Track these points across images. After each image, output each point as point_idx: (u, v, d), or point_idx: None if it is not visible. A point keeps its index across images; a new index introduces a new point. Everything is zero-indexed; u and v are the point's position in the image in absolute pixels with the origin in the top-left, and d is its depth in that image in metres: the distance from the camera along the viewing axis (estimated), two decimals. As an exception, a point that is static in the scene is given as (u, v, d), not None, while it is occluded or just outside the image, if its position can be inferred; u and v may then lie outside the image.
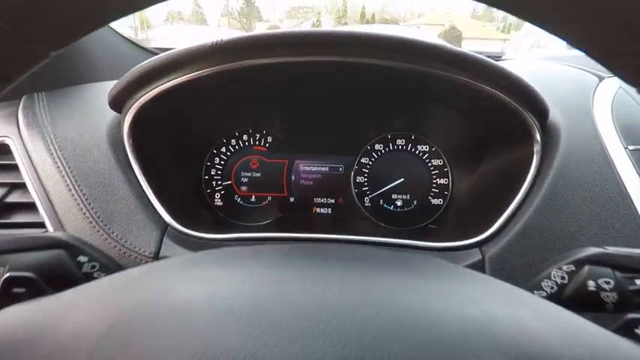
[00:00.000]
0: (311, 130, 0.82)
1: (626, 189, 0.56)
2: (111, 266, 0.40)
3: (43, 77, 0.74)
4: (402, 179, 0.81)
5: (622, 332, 0.33)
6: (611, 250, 0.38)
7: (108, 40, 0.95)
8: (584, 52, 0.24)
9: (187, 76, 0.55)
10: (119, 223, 0.59)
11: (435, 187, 0.81)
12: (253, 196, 0.82)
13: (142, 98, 0.59)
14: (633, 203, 0.55)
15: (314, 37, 0.48)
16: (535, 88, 0.57)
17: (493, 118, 0.66)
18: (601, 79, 0.72)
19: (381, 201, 0.81)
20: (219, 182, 0.82)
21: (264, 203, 0.82)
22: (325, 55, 0.52)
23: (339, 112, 0.79)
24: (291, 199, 0.82)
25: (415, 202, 0.81)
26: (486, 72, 0.56)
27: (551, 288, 0.39)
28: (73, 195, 0.59)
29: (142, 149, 0.64)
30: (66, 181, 0.59)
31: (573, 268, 0.39)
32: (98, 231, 0.58)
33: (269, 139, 0.83)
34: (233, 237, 0.62)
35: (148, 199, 0.61)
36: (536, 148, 0.60)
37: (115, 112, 0.65)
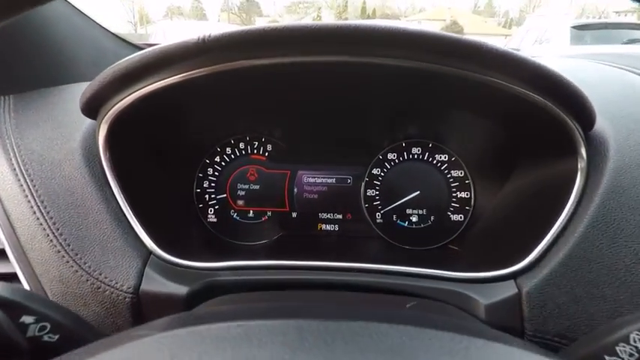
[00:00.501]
0: (316, 138, 0.73)
1: None
2: (68, 325, 0.32)
3: (12, 78, 0.64)
4: (418, 192, 0.73)
5: None
6: None
7: (90, 35, 0.85)
8: None
9: (170, 79, 0.46)
10: (93, 252, 0.50)
11: (454, 202, 0.72)
12: (251, 211, 0.73)
13: (120, 103, 0.50)
14: None
15: (321, 33, 0.38)
16: (582, 91, 0.48)
17: (528, 125, 0.57)
18: None
19: (395, 217, 0.73)
20: (213, 196, 0.73)
21: (263, 219, 0.73)
22: (333, 54, 0.42)
23: (347, 118, 0.70)
24: (294, 215, 0.73)
25: (432, 218, 0.72)
26: (525, 72, 0.47)
27: (631, 355, 0.30)
28: (38, 219, 0.50)
29: (121, 163, 0.55)
30: (30, 201, 0.51)
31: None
32: (67, 262, 0.49)
33: (269, 147, 0.74)
34: (226, 265, 0.53)
35: (128, 222, 0.52)
36: (581, 163, 0.51)
37: (91, 120, 0.57)
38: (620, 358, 0.31)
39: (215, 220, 0.72)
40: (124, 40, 0.97)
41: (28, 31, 0.67)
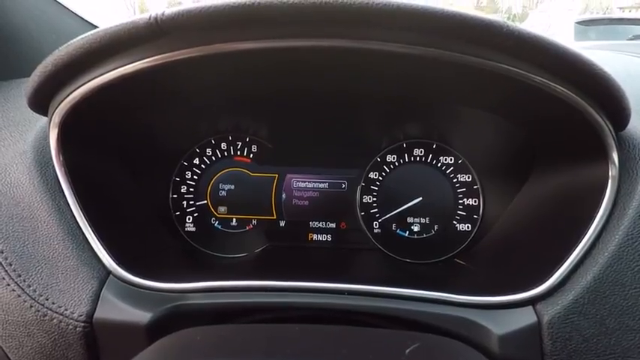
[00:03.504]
0: (306, 137, 0.66)
1: None
2: None
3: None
4: (420, 199, 0.66)
5: None
6: None
7: (60, 24, 0.78)
8: None
9: (123, 68, 0.38)
10: (39, 273, 0.43)
11: (461, 209, 0.65)
12: (234, 220, 0.66)
13: (70, 97, 0.43)
14: None
15: (301, 10, 0.30)
16: (619, 85, 0.40)
17: (550, 124, 0.49)
18: None
19: (394, 226, 0.66)
20: (192, 202, 0.66)
21: (247, 228, 0.66)
22: (319, 37, 0.35)
23: (341, 114, 0.63)
24: (282, 224, 0.66)
25: (436, 228, 0.65)
26: (556, 60, 0.39)
27: None
28: None
29: (77, 167, 0.48)
30: None
31: None
32: (8, 285, 0.42)
33: (254, 147, 0.67)
34: (198, 287, 0.46)
35: (84, 236, 0.45)
36: (613, 171, 0.44)
37: (46, 118, 0.49)
38: None
39: (194, 229, 0.65)
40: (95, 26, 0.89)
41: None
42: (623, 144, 0.46)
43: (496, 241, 0.59)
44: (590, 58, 0.41)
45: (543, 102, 0.44)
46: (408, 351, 0.33)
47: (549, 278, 0.43)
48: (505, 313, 0.44)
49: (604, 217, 0.43)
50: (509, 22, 0.36)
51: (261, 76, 0.50)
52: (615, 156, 0.44)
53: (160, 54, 0.37)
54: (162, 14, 0.32)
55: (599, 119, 0.42)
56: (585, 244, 0.43)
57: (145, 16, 0.33)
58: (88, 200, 0.47)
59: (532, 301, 0.43)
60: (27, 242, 0.44)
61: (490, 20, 0.35)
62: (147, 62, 0.38)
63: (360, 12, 0.31)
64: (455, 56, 0.37)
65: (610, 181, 0.44)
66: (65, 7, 0.80)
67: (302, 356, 0.30)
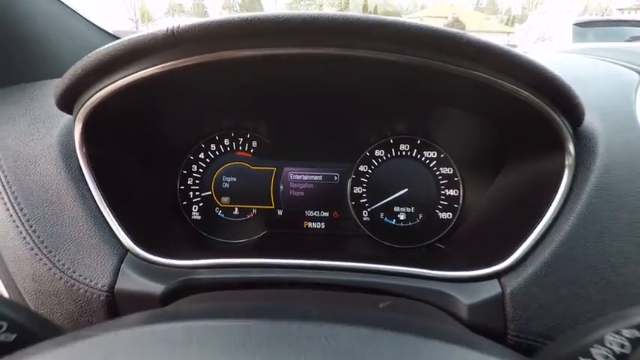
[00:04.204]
0: (302, 134, 0.72)
1: None
2: (27, 325, 0.31)
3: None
4: (406, 190, 0.71)
5: None
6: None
7: (75, 30, 0.84)
8: None
9: (143, 71, 0.45)
10: (67, 250, 0.49)
11: (443, 200, 0.71)
12: (236, 209, 0.72)
13: (94, 97, 0.49)
14: None
15: (293, 23, 0.37)
16: (571, 87, 0.47)
17: (516, 121, 0.56)
18: None
19: (382, 214, 0.71)
20: (198, 193, 0.72)
21: (248, 217, 0.72)
22: (309, 46, 0.41)
23: (334, 113, 0.68)
24: (279, 213, 0.72)
25: (420, 216, 0.71)
26: (514, 67, 0.45)
27: (605, 358, 0.29)
28: (11, 215, 0.49)
29: (98, 159, 0.54)
30: (3, 198, 0.50)
31: (638, 334, 0.29)
32: (41, 259, 0.48)
33: (254, 143, 0.73)
34: (205, 264, 0.52)
35: (104, 219, 0.51)
36: (569, 160, 0.50)
37: (68, 116, 0.55)
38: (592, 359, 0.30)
39: (199, 217, 0.71)
40: (114, 37, 0.96)
41: (8, 26, 0.66)
42: (580, 138, 0.52)
43: (472, 227, 0.65)
44: (556, 63, 0.47)
45: (508, 103, 0.50)
46: (381, 306, 0.39)
47: (512, 255, 0.49)
48: (473, 286, 0.50)
49: (561, 202, 0.49)
50: (470, 35, 0.42)
51: (260, 79, 0.56)
52: (571, 147, 0.50)
53: (174, 60, 0.43)
54: (178, 27, 0.39)
55: (556, 117, 0.49)
56: (544, 225, 0.49)
57: (163, 28, 0.40)
58: (108, 188, 0.53)
59: (497, 275, 0.49)
60: (56, 224, 0.50)
61: (452, 32, 0.41)
62: (162, 67, 0.45)
63: (337, 25, 0.38)
64: (424, 61, 0.43)
65: (567, 169, 0.50)
66: (78, 13, 0.86)
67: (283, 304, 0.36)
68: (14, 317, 0.30)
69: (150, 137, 0.64)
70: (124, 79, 0.46)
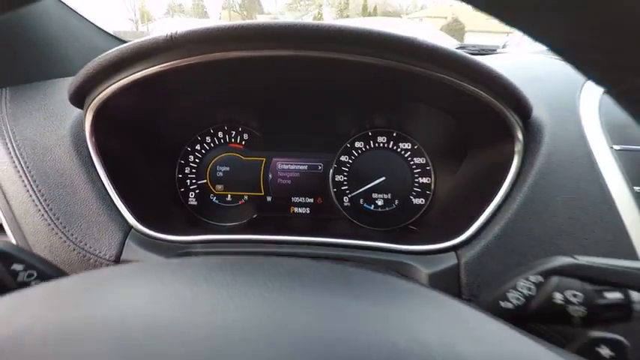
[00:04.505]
0: (289, 128, 0.79)
1: (609, 192, 0.53)
2: (51, 274, 0.38)
3: (9, 72, 0.71)
4: (383, 178, 0.78)
5: (585, 351, 0.30)
6: (582, 260, 0.36)
7: (83, 33, 0.91)
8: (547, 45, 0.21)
9: (145, 71, 0.52)
10: (79, 226, 0.56)
11: (417, 187, 0.78)
12: (229, 195, 0.80)
13: (103, 93, 0.56)
14: (616, 207, 0.53)
15: (270, 31, 0.44)
16: (516, 85, 0.54)
17: (474, 116, 0.63)
18: None
19: (361, 200, 0.79)
20: (194, 181, 0.79)
21: (240, 202, 0.79)
22: (287, 49, 0.48)
23: (317, 109, 0.76)
24: (268, 199, 0.79)
25: (397, 202, 0.78)
26: (465, 68, 0.53)
27: (518, 300, 0.36)
28: (30, 196, 0.56)
29: (106, 147, 0.61)
30: (24, 181, 0.57)
31: (541, 279, 0.36)
32: (57, 233, 0.55)
33: (245, 136, 0.80)
34: (201, 239, 0.59)
35: (111, 199, 0.59)
36: (518, 147, 0.57)
37: (79, 110, 0.63)
38: (510, 302, 0.37)
39: (195, 203, 0.79)
40: (115, 38, 1.03)
41: (24, 30, 0.73)
42: (529, 129, 0.59)
43: (439, 210, 0.72)
44: (517, 62, 0.54)
45: (466, 99, 0.57)
46: (347, 264, 0.46)
47: (468, 230, 0.57)
48: (434, 257, 0.57)
49: (510, 183, 0.57)
50: (428, 40, 0.49)
51: (249, 79, 0.64)
52: (520, 136, 0.57)
53: (172, 60, 0.51)
54: (176, 33, 0.46)
55: (506, 110, 0.56)
56: (496, 204, 0.56)
57: (163, 33, 0.47)
58: (114, 173, 0.61)
59: (454, 248, 0.57)
60: (69, 203, 0.57)
61: (410, 38, 0.49)
62: (162, 67, 0.52)
63: (307, 32, 0.45)
64: (387, 63, 0.51)
65: (516, 155, 0.57)
66: (84, 17, 0.93)
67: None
68: (43, 268, 0.38)
69: (151, 130, 0.71)
70: (129, 77, 0.53)
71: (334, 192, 0.79)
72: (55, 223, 0.56)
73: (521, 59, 0.93)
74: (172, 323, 0.19)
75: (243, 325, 0.19)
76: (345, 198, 0.79)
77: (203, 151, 0.80)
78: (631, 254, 0.52)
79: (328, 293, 0.24)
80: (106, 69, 0.52)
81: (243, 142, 0.80)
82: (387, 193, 0.78)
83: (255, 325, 0.19)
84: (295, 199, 0.79)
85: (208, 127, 0.79)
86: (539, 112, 0.60)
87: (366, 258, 0.58)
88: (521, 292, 0.37)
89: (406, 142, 0.78)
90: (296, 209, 0.79)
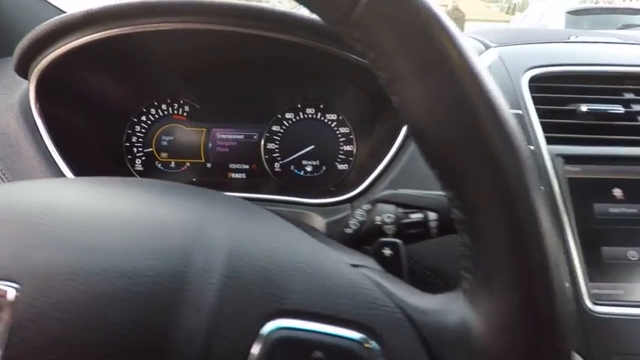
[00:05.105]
0: (226, 100, 0.87)
1: None
2: None
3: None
4: (313, 146, 0.87)
5: (377, 253, 0.39)
6: (400, 191, 0.44)
7: (43, 14, 0.99)
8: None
9: (72, 43, 0.60)
10: (23, 180, 0.65)
11: (341, 154, 0.86)
12: (173, 162, 0.88)
13: (42, 62, 0.64)
14: None
15: (167, 6, 0.53)
16: None
17: (375, 87, 0.71)
18: (487, 47, 0.76)
19: (292, 167, 0.87)
20: (141, 149, 0.87)
21: (182, 169, 0.88)
22: (184, 22, 0.57)
23: (248, 83, 0.84)
24: (208, 165, 0.88)
25: (324, 168, 0.87)
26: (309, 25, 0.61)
27: (355, 225, 0.45)
28: None
29: (51, 114, 0.70)
30: None
31: (370, 207, 0.45)
32: (3, 186, 0.64)
33: (186, 108, 0.88)
34: None
35: (54, 160, 0.67)
36: None
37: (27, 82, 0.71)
38: (350, 228, 0.46)
39: (142, 169, 0.87)
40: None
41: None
42: None
43: (356, 173, 0.81)
44: None
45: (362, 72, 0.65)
46: None
47: (361, 185, 0.65)
48: (332, 209, 0.66)
49: (400, 144, 0.65)
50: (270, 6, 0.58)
51: (174, 52, 0.72)
52: None
53: (95, 33, 0.59)
54: (92, 9, 0.54)
55: None
56: (386, 162, 0.65)
57: (82, 10, 0.55)
58: (58, 137, 0.69)
59: (349, 200, 0.66)
60: (15, 162, 0.66)
61: (256, 6, 0.57)
62: (87, 38, 0.60)
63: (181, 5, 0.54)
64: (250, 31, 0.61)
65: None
66: (52, 4, 1.00)
67: None
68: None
69: (98, 101, 0.79)
70: (60, 49, 0.61)
71: (266, 159, 0.87)
72: (3, 181, 0.64)
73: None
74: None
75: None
76: (276, 164, 0.87)
77: (149, 122, 0.88)
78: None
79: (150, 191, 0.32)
80: (40, 40, 0.60)
81: (185, 114, 0.88)
82: (315, 160, 0.87)
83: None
84: (233, 166, 0.88)
85: (152, 99, 0.87)
86: None
87: (274, 209, 0.66)
88: (356, 219, 0.45)
89: (332, 114, 0.86)
90: (233, 175, 0.88)
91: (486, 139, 0.24)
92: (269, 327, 0.25)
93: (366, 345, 0.25)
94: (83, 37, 0.59)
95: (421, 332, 0.25)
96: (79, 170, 0.69)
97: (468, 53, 0.25)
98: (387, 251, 0.38)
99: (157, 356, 0.23)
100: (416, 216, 0.41)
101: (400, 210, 0.42)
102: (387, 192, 0.44)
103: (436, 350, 0.25)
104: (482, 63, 0.25)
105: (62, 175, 0.66)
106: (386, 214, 0.42)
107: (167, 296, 0.24)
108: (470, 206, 0.26)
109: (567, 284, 0.51)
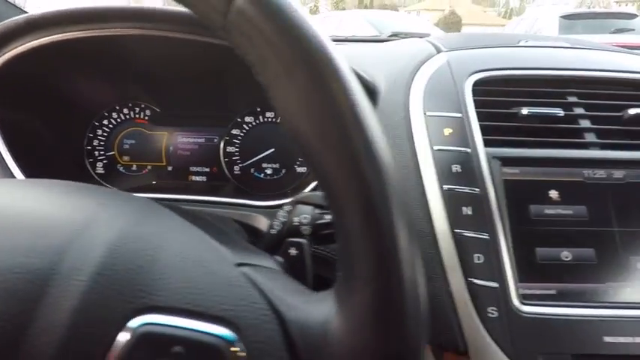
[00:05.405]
0: (187, 104, 0.89)
1: (415, 154, 0.62)
2: None
3: None
4: (273, 149, 0.88)
5: (283, 252, 0.40)
6: (319, 192, 0.45)
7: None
8: None
9: (17, 49, 0.61)
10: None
11: (300, 157, 0.87)
12: (134, 165, 0.89)
13: None
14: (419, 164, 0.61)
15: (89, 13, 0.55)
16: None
17: None
18: (439, 51, 0.77)
19: (252, 170, 0.88)
20: (102, 152, 0.89)
21: (144, 172, 0.89)
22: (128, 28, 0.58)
23: (209, 87, 0.85)
24: (169, 168, 0.89)
25: (284, 171, 0.88)
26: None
27: (278, 226, 0.46)
28: None
29: (7, 117, 0.71)
30: None
31: (291, 207, 0.46)
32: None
33: (148, 112, 0.89)
34: None
35: (4, 159, 0.68)
36: None
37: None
38: (274, 229, 0.47)
39: (103, 172, 0.88)
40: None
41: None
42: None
43: (311, 174, 0.82)
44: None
45: None
46: None
47: (307, 188, 0.67)
48: (276, 211, 0.67)
49: None
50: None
51: (135, 58, 0.73)
52: None
53: (39, 39, 0.60)
54: (34, 15, 0.56)
55: None
56: None
57: (23, 17, 0.57)
58: (12, 141, 0.70)
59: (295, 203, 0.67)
60: None
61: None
62: (33, 44, 0.61)
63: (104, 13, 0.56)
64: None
65: None
66: (11, 3, 1.02)
67: None
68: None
69: (54, 102, 0.80)
70: (9, 53, 0.63)
71: (225, 162, 0.88)
72: None
73: (407, 44, 1.02)
74: None
75: None
76: (235, 167, 0.88)
77: (110, 125, 0.89)
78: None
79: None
80: None
81: (147, 118, 0.89)
82: (275, 163, 0.88)
83: None
84: (193, 169, 0.89)
85: (114, 104, 0.88)
86: (383, 88, 0.69)
87: (221, 212, 0.68)
88: (279, 220, 0.46)
89: (291, 117, 0.87)
90: (193, 177, 0.89)
91: (346, 140, 0.25)
92: (136, 322, 0.26)
93: (228, 340, 0.26)
94: (26, 42, 0.60)
95: (287, 329, 0.26)
96: (32, 172, 0.70)
97: (329, 56, 0.26)
98: (292, 251, 0.39)
99: (10, 350, 0.24)
100: (330, 217, 0.42)
101: (317, 211, 0.43)
102: (306, 193, 0.46)
103: (297, 347, 0.26)
104: (346, 63, 0.26)
105: (12, 176, 0.67)
106: (303, 215, 0.43)
107: (30, 292, 0.25)
108: (335, 206, 0.27)
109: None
